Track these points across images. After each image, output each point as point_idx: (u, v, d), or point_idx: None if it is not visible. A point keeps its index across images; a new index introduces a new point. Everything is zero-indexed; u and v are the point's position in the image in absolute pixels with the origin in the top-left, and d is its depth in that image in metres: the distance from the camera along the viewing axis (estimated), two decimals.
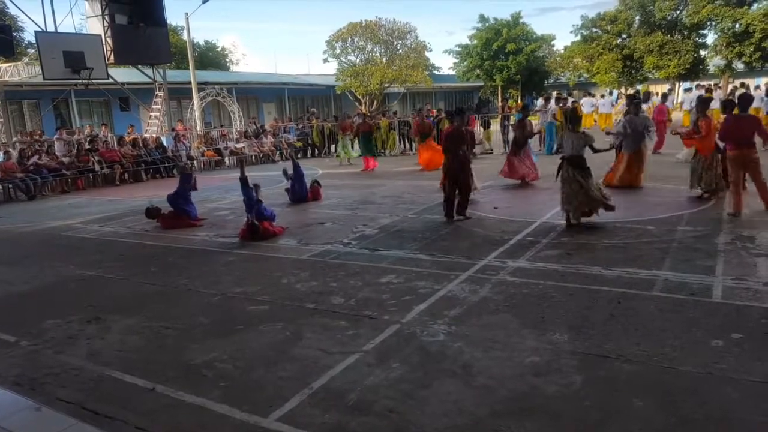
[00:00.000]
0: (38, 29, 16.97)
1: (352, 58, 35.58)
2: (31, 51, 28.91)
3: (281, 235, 7.96)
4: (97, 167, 16.07)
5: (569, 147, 7.33)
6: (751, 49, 32.80)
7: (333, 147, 22.15)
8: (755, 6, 33.52)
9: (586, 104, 26.72)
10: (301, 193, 10.75)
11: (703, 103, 9.23)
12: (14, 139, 17.79)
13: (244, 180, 8.27)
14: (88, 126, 20.26)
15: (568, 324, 4.23)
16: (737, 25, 33.16)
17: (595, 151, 7.46)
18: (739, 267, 5.34)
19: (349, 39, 34.86)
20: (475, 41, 44.17)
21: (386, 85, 34.63)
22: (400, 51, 35.41)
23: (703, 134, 8.52)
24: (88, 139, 17.27)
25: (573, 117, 8.57)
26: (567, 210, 7.33)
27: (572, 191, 7.19)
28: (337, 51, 35.34)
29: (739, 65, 35.63)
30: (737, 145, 7.43)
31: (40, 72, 16.80)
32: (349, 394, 3.40)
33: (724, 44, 34.23)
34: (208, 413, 3.32)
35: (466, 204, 8.36)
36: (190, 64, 23.08)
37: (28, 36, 30.84)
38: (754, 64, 33.77)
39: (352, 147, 18.31)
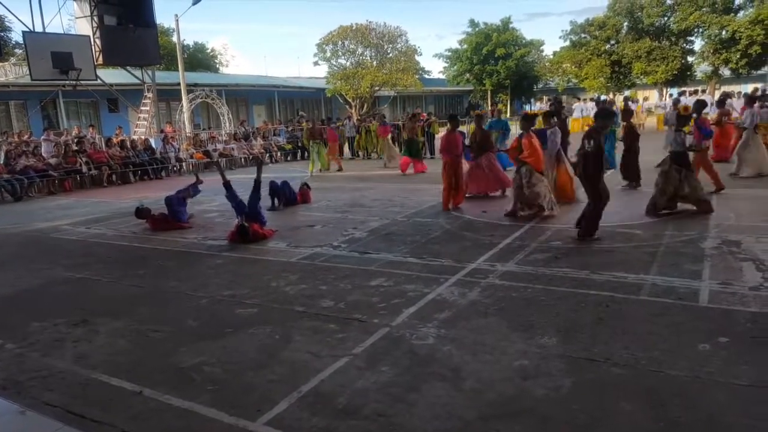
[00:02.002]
0: (26, 29, 16.82)
1: (342, 61, 35.65)
2: (18, 51, 28.70)
3: (271, 237, 7.93)
4: (84, 169, 15.95)
5: (673, 143, 7.90)
6: (738, 56, 33.26)
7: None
8: (741, 13, 34.00)
9: (576, 109, 26.93)
10: (289, 197, 10.68)
11: (526, 120, 8.64)
12: (0, 140, 17.61)
13: (227, 184, 8.28)
14: (76, 127, 20.09)
15: (556, 327, 4.25)
16: (724, 32, 33.61)
17: (690, 150, 8.20)
18: (725, 271, 5.39)
19: (340, 42, 34.94)
20: (465, 46, 44.42)
21: (376, 88, 34.72)
22: (391, 54, 35.53)
23: (527, 153, 8.13)
24: (75, 140, 17.14)
25: (680, 117, 8.48)
26: (655, 200, 7.89)
27: (667, 183, 7.80)
28: (328, 54, 35.40)
29: (726, 72, 36.07)
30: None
31: (28, 72, 16.67)
32: (338, 398, 3.39)
33: (711, 51, 34.68)
34: (196, 417, 3.30)
35: (461, 199, 9.45)
36: (180, 65, 22.99)
37: (16, 36, 30.66)
38: (740, 70, 34.22)
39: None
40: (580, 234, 6.87)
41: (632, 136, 10.16)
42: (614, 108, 15.54)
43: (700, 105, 10.14)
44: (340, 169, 17.06)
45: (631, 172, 10.32)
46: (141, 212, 9.43)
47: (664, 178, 7.88)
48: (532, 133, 8.37)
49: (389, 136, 18.80)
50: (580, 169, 6.83)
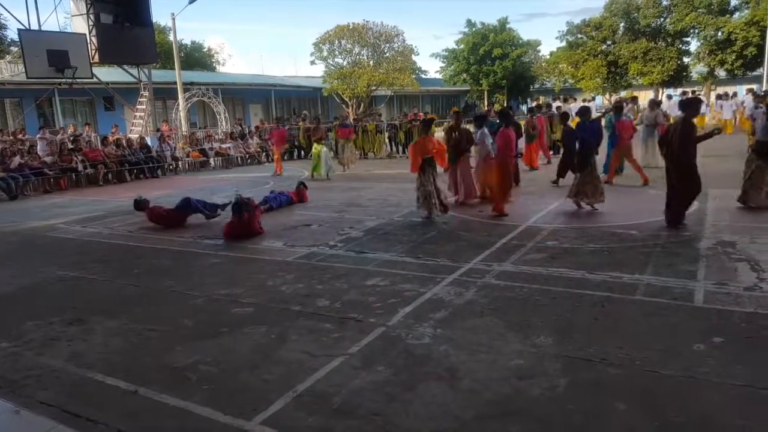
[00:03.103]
0: (22, 27, 16.75)
1: (339, 60, 35.61)
2: (14, 49, 28.58)
3: (264, 234, 7.97)
4: (80, 167, 15.90)
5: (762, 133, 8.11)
6: (733, 57, 33.38)
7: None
8: (737, 15, 34.12)
9: (573, 110, 26.88)
10: (281, 202, 10.48)
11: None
12: None
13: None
14: (72, 125, 20.01)
15: (552, 327, 4.25)
16: (719, 34, 33.73)
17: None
18: (720, 272, 5.41)
19: (337, 41, 34.89)
20: (462, 46, 44.44)
21: (373, 87, 34.68)
22: (388, 54, 35.50)
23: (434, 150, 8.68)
24: (71, 139, 17.08)
25: None
26: (746, 189, 8.14)
27: (757, 174, 8.00)
28: (325, 53, 35.35)
29: (722, 73, 36.20)
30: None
31: (23, 70, 16.60)
32: (334, 398, 3.39)
33: (707, 52, 34.79)
34: (192, 416, 3.29)
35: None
36: (176, 64, 22.94)
37: (11, 34, 30.48)
38: (735, 71, 34.33)
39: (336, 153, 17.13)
40: (672, 221, 7.23)
41: (570, 138, 10.60)
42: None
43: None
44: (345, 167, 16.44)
45: (564, 172, 11.04)
46: (140, 204, 9.42)
47: (759, 172, 8.02)
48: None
49: (352, 137, 18.47)
50: (673, 159, 7.16)
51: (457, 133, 10.00)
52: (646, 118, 13.58)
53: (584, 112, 9.09)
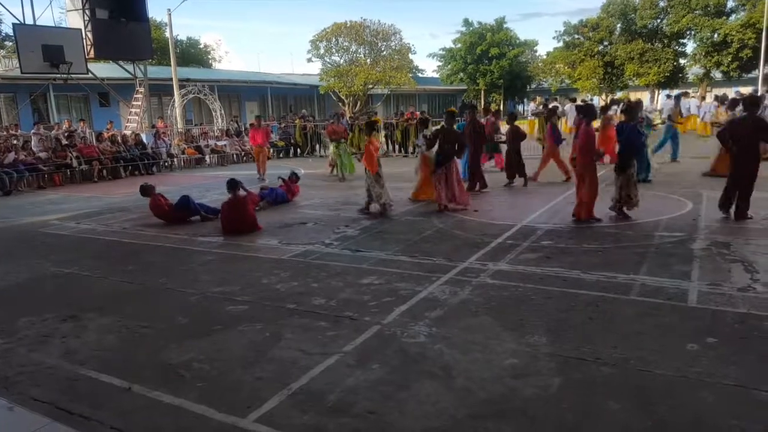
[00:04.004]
0: (17, 22, 16.67)
1: (336, 58, 35.53)
2: (8, 44, 28.42)
3: (260, 231, 8.01)
4: (74, 163, 15.83)
5: None
6: (729, 59, 33.50)
7: (319, 147, 21.96)
8: (733, 17, 34.25)
9: (569, 111, 26.81)
10: (276, 196, 10.51)
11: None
12: None
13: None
14: (66, 121, 19.90)
15: (546, 327, 4.26)
16: (716, 35, 33.84)
17: None
18: (714, 272, 5.43)
19: (334, 39, 34.81)
20: (459, 45, 44.40)
21: (370, 86, 34.63)
22: (385, 53, 35.44)
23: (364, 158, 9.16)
24: (65, 135, 17.00)
25: None
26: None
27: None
28: (321, 51, 35.27)
29: (718, 74, 36.33)
30: None
31: (18, 65, 16.51)
32: (328, 396, 3.39)
33: (703, 53, 34.91)
34: (186, 414, 3.28)
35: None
36: (172, 60, 22.83)
37: (6, 28, 30.33)
38: (731, 73, 34.45)
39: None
40: (739, 216, 7.53)
41: (517, 137, 11.39)
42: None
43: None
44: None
45: (515, 170, 11.45)
46: (146, 190, 9.42)
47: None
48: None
49: (347, 136, 17.95)
50: (743, 154, 7.43)
51: (443, 136, 9.17)
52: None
53: (631, 110, 8.26)
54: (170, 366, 3.91)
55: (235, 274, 6.09)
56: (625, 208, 7.92)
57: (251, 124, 16.10)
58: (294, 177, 11.26)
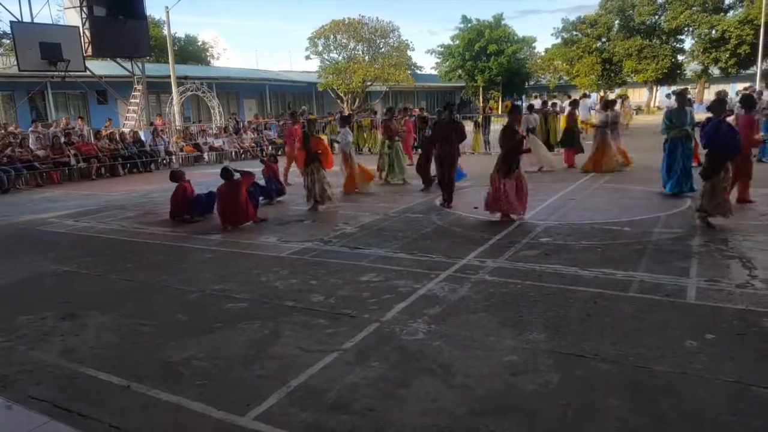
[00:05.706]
0: (14, 19, 16.62)
1: (334, 55, 35.55)
2: (6, 41, 28.32)
3: (258, 227, 8.03)
4: (72, 161, 15.80)
5: None
6: (727, 55, 33.53)
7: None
8: (731, 13, 34.26)
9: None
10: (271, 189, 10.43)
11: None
12: None
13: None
14: (64, 119, 19.88)
15: (545, 323, 4.27)
16: (714, 32, 33.86)
17: None
18: (712, 269, 5.43)
19: (332, 36, 34.80)
20: (458, 42, 44.41)
21: (368, 83, 34.64)
22: (383, 49, 35.45)
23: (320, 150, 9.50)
24: (63, 132, 16.97)
25: None
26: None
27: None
28: (320, 48, 35.28)
29: (715, 71, 36.35)
30: None
31: (15, 63, 16.47)
32: (327, 393, 3.39)
33: (701, 50, 34.93)
34: (185, 412, 3.28)
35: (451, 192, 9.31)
36: (170, 58, 22.79)
37: (3, 26, 30.18)
38: (729, 70, 34.48)
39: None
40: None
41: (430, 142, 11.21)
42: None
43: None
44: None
45: (427, 175, 11.20)
46: (176, 175, 9.32)
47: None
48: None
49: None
50: None
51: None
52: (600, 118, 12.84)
53: (716, 107, 7.01)
54: (169, 364, 3.91)
55: (234, 272, 6.08)
56: (710, 219, 6.97)
57: (286, 122, 14.63)
58: (272, 159, 11.14)
